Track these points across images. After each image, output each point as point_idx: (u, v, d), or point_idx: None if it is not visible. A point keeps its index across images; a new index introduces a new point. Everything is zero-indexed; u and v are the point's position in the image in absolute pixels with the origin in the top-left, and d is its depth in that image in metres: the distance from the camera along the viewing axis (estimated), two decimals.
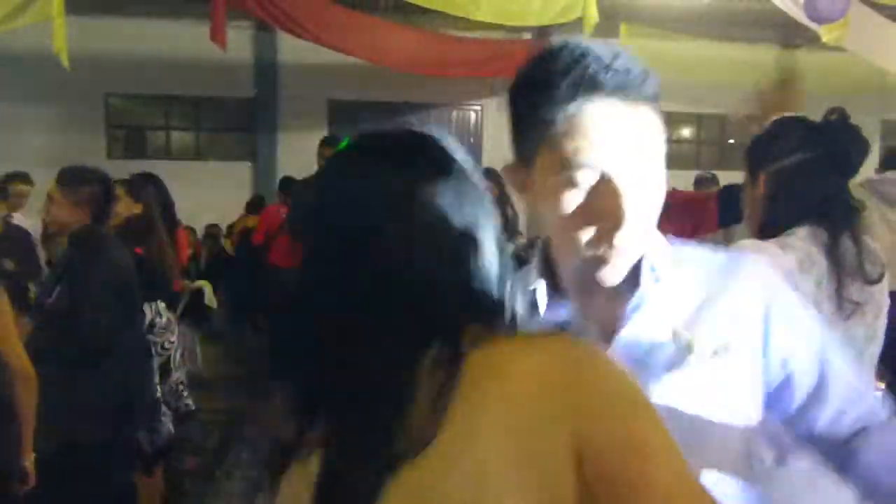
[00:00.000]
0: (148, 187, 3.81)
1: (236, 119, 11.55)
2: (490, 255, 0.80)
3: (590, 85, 0.88)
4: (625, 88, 0.89)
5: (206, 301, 6.65)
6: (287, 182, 7.66)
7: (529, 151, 0.97)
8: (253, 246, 6.92)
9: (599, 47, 0.91)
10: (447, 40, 8.77)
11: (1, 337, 2.29)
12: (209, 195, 9.59)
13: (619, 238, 0.89)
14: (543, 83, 0.92)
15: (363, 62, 8.75)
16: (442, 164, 0.84)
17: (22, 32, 8.14)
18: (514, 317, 0.79)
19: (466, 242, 0.79)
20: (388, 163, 0.82)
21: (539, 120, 0.92)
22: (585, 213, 0.90)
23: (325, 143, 4.95)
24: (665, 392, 0.91)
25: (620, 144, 0.88)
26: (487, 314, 0.78)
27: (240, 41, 10.19)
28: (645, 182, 0.90)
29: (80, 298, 2.63)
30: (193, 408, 3.85)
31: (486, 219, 0.83)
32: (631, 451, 0.67)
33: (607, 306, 0.97)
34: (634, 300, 0.95)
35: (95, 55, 9.30)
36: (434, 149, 0.86)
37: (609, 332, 0.96)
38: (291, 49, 10.87)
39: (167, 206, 3.99)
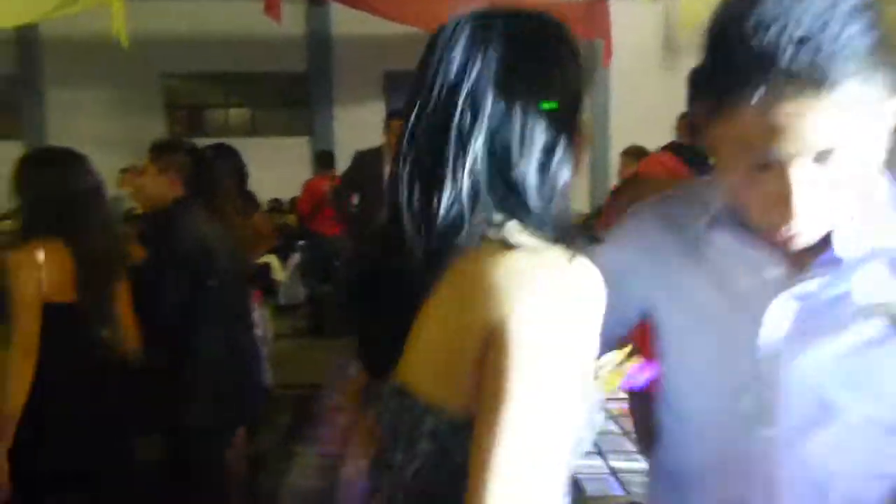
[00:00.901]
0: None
1: (292, 94, 11.52)
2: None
3: (776, 66, 0.73)
4: (819, 70, 0.73)
5: (273, 275, 6.75)
6: (326, 156, 7.81)
7: (704, 115, 0.83)
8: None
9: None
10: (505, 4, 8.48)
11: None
12: (268, 171, 9.60)
13: (793, 228, 0.82)
14: (729, 58, 0.77)
15: (418, 31, 8.58)
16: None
17: (78, 17, 8.25)
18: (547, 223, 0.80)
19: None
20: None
21: (717, 95, 0.79)
22: (760, 199, 0.83)
23: (392, 115, 4.83)
24: (854, 361, 0.88)
25: (805, 136, 0.76)
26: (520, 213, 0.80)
27: (293, 15, 10.11)
28: (837, 175, 0.78)
29: (175, 275, 2.54)
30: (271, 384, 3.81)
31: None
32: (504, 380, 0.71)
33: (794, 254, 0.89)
34: (825, 257, 0.87)
35: (151, 36, 9.34)
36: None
37: (792, 274, 0.90)
38: (345, 21, 10.76)
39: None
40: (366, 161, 4.76)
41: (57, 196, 2.11)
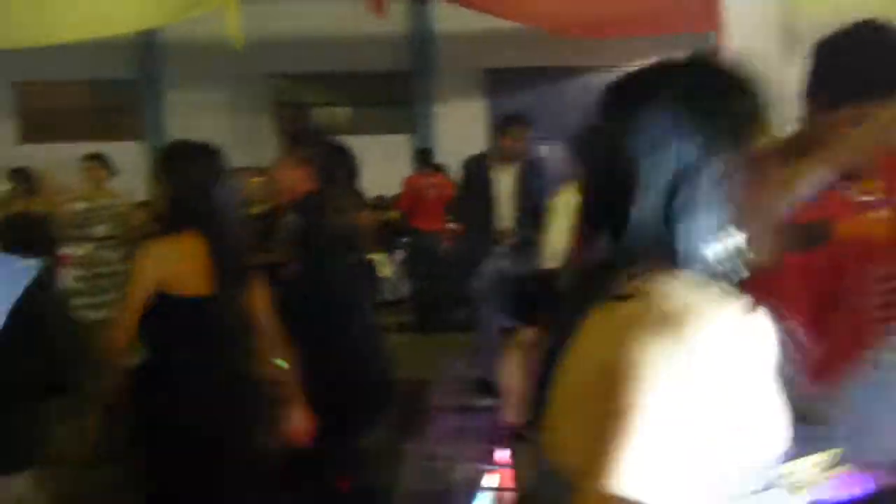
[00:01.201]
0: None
1: (394, 92, 11.65)
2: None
3: None
4: None
5: (379, 271, 6.90)
6: (425, 153, 7.88)
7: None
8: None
9: None
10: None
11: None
12: (370, 168, 9.71)
13: None
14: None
15: (520, 28, 8.47)
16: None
17: (195, 21, 8.61)
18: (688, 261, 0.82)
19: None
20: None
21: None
22: None
23: (509, 121, 4.77)
24: None
25: None
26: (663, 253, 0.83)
27: (396, 14, 10.22)
28: None
29: (316, 270, 2.52)
30: None
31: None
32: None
33: None
34: None
35: (261, 38, 9.64)
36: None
37: None
38: (447, 19, 10.77)
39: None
40: (471, 167, 4.81)
41: (199, 188, 2.11)
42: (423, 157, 7.98)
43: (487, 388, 4.37)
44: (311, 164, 2.62)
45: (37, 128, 12.08)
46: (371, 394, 2.65)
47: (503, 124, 4.73)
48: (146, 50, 11.34)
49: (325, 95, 11.95)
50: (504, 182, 4.64)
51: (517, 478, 2.46)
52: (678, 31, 8.73)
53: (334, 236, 2.56)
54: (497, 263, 4.55)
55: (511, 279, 2.72)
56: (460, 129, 10.77)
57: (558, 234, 2.99)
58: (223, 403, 2.12)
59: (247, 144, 10.76)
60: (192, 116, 11.09)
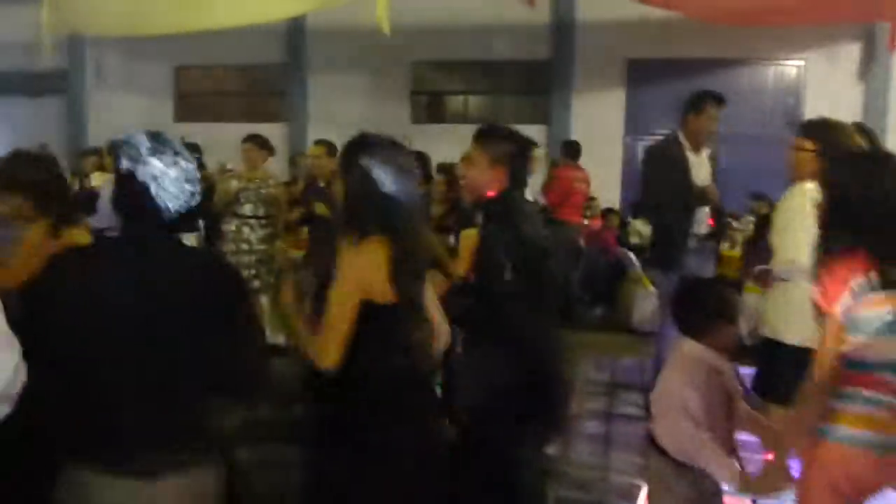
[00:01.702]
0: None
1: (532, 82, 11.48)
2: None
3: None
4: None
5: None
6: (572, 145, 7.64)
7: None
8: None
9: None
10: None
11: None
12: None
13: None
14: None
15: (664, 18, 8.08)
16: None
17: (341, 8, 8.83)
18: None
19: None
20: None
21: None
22: None
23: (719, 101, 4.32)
24: None
25: None
26: None
27: (539, 2, 10.06)
28: None
29: (496, 274, 2.36)
30: None
31: None
32: None
33: None
34: None
35: (406, 25, 9.76)
36: None
37: None
38: (589, 7, 10.49)
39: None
40: (663, 152, 4.31)
41: (390, 189, 1.97)
42: (571, 150, 7.78)
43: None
44: (504, 164, 2.48)
45: (191, 108, 12.87)
46: (548, 400, 2.51)
47: (697, 101, 4.24)
48: (294, 35, 11.77)
49: (462, 84, 11.94)
50: (695, 169, 4.18)
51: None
52: (843, 21, 8.06)
53: (525, 243, 2.43)
54: (687, 264, 4.18)
55: (694, 285, 2.48)
56: (597, 121, 10.48)
57: (799, 238, 2.67)
58: (420, 409, 2.08)
59: (385, 130, 10.83)
60: (335, 100, 11.44)
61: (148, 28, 9.06)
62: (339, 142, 5.94)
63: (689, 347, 2.23)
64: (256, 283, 5.34)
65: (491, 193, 2.54)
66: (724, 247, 5.58)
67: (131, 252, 1.69)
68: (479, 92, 11.89)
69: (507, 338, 2.40)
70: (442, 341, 2.28)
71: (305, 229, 5.64)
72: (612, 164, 10.44)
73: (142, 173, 1.66)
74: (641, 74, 10.64)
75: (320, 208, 4.99)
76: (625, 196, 10.35)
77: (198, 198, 1.73)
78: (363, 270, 1.94)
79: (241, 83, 13.02)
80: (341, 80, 11.52)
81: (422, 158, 3.37)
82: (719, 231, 4.32)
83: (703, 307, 2.25)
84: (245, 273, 5.24)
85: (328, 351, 1.92)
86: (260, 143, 5.54)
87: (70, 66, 12.98)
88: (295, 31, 11.70)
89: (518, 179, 2.57)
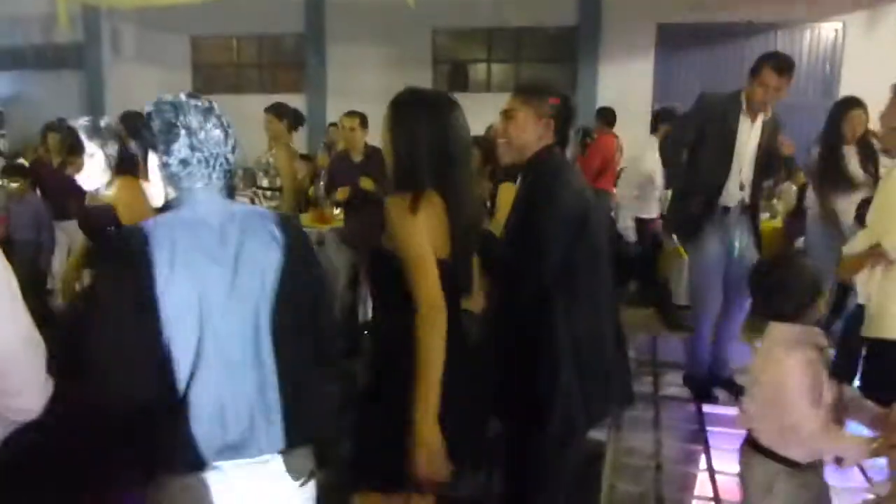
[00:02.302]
0: None
1: (557, 49, 11.15)
2: None
3: None
4: None
5: None
6: (608, 113, 7.29)
7: None
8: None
9: None
10: None
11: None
12: None
13: None
14: None
15: None
16: None
17: None
18: None
19: None
20: None
21: None
22: None
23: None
24: None
25: None
26: None
27: None
28: None
29: (541, 238, 2.16)
30: None
31: None
32: None
33: None
34: None
35: None
36: None
37: None
38: None
39: None
40: (712, 108, 3.93)
41: (441, 144, 1.87)
42: (607, 117, 7.38)
43: (730, 385, 3.99)
44: (551, 118, 2.28)
45: (209, 79, 12.70)
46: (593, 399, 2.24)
47: (756, 65, 3.82)
48: (313, 4, 11.51)
49: (485, 52, 11.62)
50: (745, 136, 3.87)
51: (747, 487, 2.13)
52: None
53: (568, 204, 2.20)
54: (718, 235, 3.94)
55: (779, 265, 2.23)
56: (624, 88, 10.15)
57: None
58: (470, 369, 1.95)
59: None
60: (353, 71, 11.21)
61: None
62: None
63: (785, 332, 2.03)
64: None
65: (537, 151, 2.30)
66: (765, 217, 5.29)
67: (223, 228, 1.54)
68: (503, 60, 11.56)
69: (563, 319, 2.17)
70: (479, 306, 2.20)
71: (330, 204, 5.43)
72: (641, 133, 10.12)
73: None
74: (671, 40, 10.29)
75: (366, 183, 4.79)
76: None
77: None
78: (425, 228, 1.82)
79: (259, 54, 12.81)
80: (361, 50, 11.26)
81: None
82: (756, 201, 4.01)
83: (796, 289, 2.03)
84: None
85: (436, 321, 1.77)
86: (279, 114, 5.29)
87: (86, 40, 12.84)
88: (314, 3, 11.44)
89: (564, 136, 2.35)
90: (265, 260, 1.54)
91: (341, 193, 4.94)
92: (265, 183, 5.20)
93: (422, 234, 1.80)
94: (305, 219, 5.41)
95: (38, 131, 7.41)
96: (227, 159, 1.56)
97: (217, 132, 1.54)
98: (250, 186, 5.45)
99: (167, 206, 1.55)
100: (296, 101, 11.37)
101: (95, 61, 13.10)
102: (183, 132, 1.50)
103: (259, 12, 10.98)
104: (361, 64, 11.16)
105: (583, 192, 2.27)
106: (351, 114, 5.27)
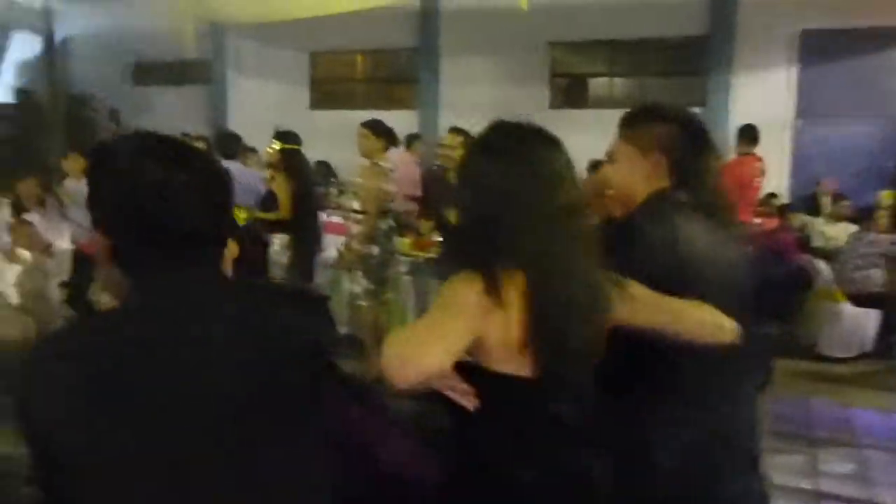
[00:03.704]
0: None
1: (685, 61, 10.38)
2: None
3: None
4: None
5: None
6: (749, 131, 6.53)
7: None
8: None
9: None
10: None
11: None
12: None
13: None
14: None
15: None
16: None
17: None
18: None
19: None
20: None
21: None
22: None
23: None
24: None
25: None
26: None
27: None
28: None
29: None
30: None
31: None
32: None
33: None
34: None
35: (541, 5, 9.04)
36: None
37: None
38: None
39: None
40: None
41: (526, 201, 1.34)
42: (749, 136, 6.57)
43: None
44: (663, 151, 1.75)
45: (326, 95, 12.75)
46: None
47: None
48: (428, 18, 11.30)
49: (606, 65, 10.97)
50: None
51: None
52: None
53: (699, 255, 1.65)
54: None
55: None
56: (762, 102, 9.29)
57: None
58: None
59: (521, 115, 10.24)
60: (468, 85, 10.90)
61: (283, 13, 8.99)
62: (471, 130, 5.36)
63: None
64: (356, 289, 4.84)
65: (649, 194, 1.75)
66: None
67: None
68: (625, 73, 10.88)
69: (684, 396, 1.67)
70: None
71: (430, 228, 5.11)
72: (779, 153, 9.23)
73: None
74: (815, 48, 9.34)
75: (453, 216, 4.41)
76: (794, 189, 9.16)
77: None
78: (476, 322, 1.29)
79: (373, 69, 12.77)
80: (475, 65, 10.93)
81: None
82: None
83: None
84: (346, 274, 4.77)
85: (404, 371, 1.26)
86: (375, 131, 4.98)
87: (212, 56, 13.22)
88: (428, 14, 11.23)
89: (686, 174, 1.75)
90: None
91: (452, 216, 4.58)
92: (357, 206, 4.94)
93: (467, 315, 1.28)
94: (402, 245, 5.09)
95: None
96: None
97: None
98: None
99: None
100: (408, 118, 11.28)
101: (220, 77, 13.48)
102: None
103: (374, 27, 10.89)
104: (475, 78, 10.84)
105: (715, 269, 1.65)
106: (454, 130, 4.92)
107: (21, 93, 12.65)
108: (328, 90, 12.83)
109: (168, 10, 10.72)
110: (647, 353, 1.49)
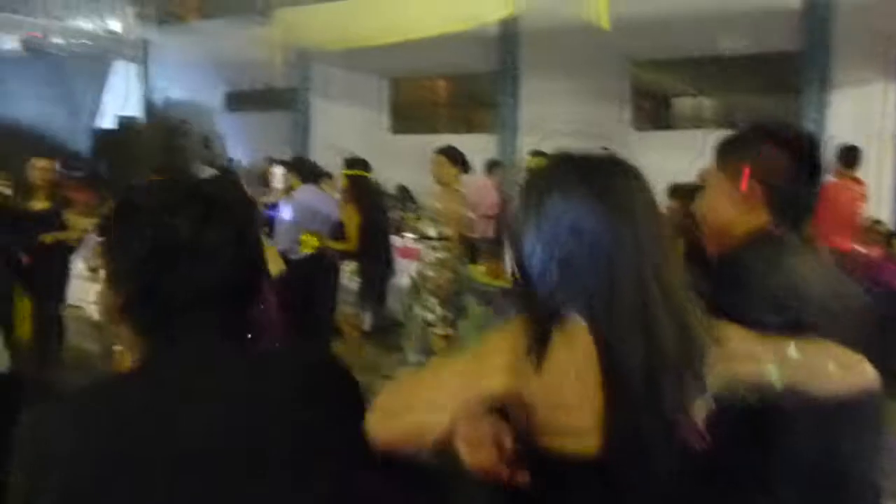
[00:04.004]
0: None
1: (776, 78, 9.92)
2: None
3: None
4: None
5: None
6: (850, 152, 6.09)
7: None
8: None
9: None
10: None
11: None
12: None
13: None
14: None
15: None
16: None
17: (552, 7, 8.17)
18: None
19: None
20: None
21: None
22: None
23: None
24: None
25: None
26: None
27: None
28: None
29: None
30: None
31: None
32: None
33: None
34: None
35: (627, 19, 8.84)
36: None
37: None
38: None
39: None
40: None
41: (595, 249, 1.09)
42: (850, 157, 6.07)
43: None
44: (760, 181, 1.51)
45: (405, 119, 12.88)
46: None
47: None
48: (507, 40, 11.26)
49: (692, 84, 10.59)
50: None
51: None
52: None
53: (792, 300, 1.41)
54: None
55: None
56: (862, 121, 8.78)
57: None
58: None
59: (599, 138, 9.99)
60: (547, 106, 10.77)
61: (366, 38, 9.17)
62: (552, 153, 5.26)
63: None
64: (429, 316, 4.77)
65: (749, 233, 1.53)
66: None
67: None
68: (713, 93, 10.47)
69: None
70: None
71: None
72: (881, 174, 8.67)
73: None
74: None
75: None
76: None
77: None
78: (506, 380, 1.06)
79: (452, 93, 12.82)
80: (555, 85, 10.78)
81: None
82: None
83: None
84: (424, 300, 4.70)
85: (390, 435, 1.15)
86: (449, 157, 4.94)
87: (299, 83, 13.58)
88: (508, 37, 11.18)
89: (791, 211, 1.54)
90: None
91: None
92: (432, 232, 4.88)
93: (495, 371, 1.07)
94: (477, 272, 5.00)
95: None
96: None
97: None
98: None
99: None
100: (487, 141, 11.24)
101: (305, 104, 13.83)
102: None
103: (454, 51, 10.92)
104: (555, 100, 10.69)
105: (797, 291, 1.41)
106: (537, 154, 4.80)
107: (120, 120, 13.31)
108: (408, 114, 12.96)
109: (258, 40, 11.13)
110: (754, 422, 1.26)
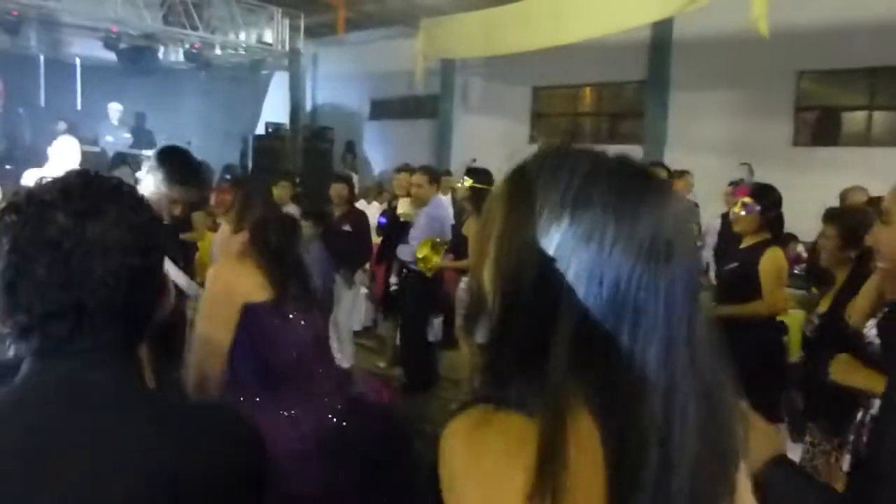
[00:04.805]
0: None
1: None
2: None
3: None
4: None
5: None
6: None
7: None
8: None
9: None
10: None
11: None
12: None
13: None
14: None
15: None
16: None
17: (712, 16, 7.71)
18: None
19: None
20: None
21: None
22: None
23: None
24: None
25: None
26: None
27: None
28: None
29: None
30: None
31: None
32: None
33: None
34: None
35: (789, 28, 8.20)
36: None
37: None
38: None
39: None
40: None
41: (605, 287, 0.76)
42: None
43: None
44: None
45: (547, 129, 12.66)
46: None
47: None
48: (658, 49, 10.80)
49: (865, 97, 9.63)
50: None
51: None
52: None
53: None
54: None
55: None
56: None
57: None
58: None
59: (756, 152, 9.41)
60: (697, 119, 10.24)
61: (511, 46, 9.08)
62: (697, 168, 4.88)
63: None
64: None
65: None
66: None
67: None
68: (888, 107, 9.49)
69: None
70: None
71: None
72: None
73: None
74: None
75: None
76: None
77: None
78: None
79: (598, 103, 12.48)
80: (707, 97, 10.19)
81: None
82: None
83: None
84: None
85: None
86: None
87: (441, 92, 13.71)
88: (659, 45, 10.71)
89: None
90: None
91: None
92: None
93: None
94: None
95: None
96: None
97: None
98: None
99: None
100: (633, 153, 10.75)
101: (446, 112, 13.94)
102: None
103: (600, 60, 10.61)
104: (706, 112, 10.12)
105: None
106: (679, 173, 4.49)
107: (271, 126, 13.93)
108: (549, 124, 12.73)
109: (403, 51, 11.32)
110: None
